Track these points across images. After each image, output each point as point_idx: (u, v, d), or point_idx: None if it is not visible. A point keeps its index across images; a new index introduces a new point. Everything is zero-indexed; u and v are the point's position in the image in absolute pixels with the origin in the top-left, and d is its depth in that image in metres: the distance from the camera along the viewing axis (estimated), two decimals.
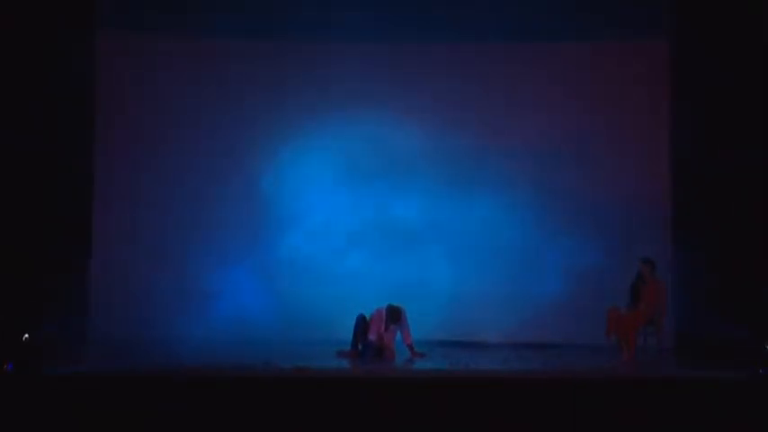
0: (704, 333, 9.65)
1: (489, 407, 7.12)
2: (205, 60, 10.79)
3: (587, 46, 10.67)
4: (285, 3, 10.45)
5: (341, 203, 10.74)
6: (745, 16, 9.54)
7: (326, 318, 9.91)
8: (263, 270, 10.65)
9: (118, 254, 10.63)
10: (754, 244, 9.55)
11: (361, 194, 10.74)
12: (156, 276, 10.51)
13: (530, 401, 7.18)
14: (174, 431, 6.93)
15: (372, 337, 9.23)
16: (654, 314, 9.25)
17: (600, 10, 10.32)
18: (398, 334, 9.53)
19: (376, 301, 9.57)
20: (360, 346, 9.34)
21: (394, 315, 9.25)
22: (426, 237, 10.72)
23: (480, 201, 10.67)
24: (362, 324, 9.34)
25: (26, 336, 8.16)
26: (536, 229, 10.61)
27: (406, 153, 10.75)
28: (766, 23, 9.37)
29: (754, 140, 9.57)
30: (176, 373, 7.73)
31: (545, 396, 7.24)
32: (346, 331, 9.55)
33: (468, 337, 10.54)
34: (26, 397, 7.20)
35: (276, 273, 10.66)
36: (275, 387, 7.33)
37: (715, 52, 9.82)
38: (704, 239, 10.01)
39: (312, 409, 7.08)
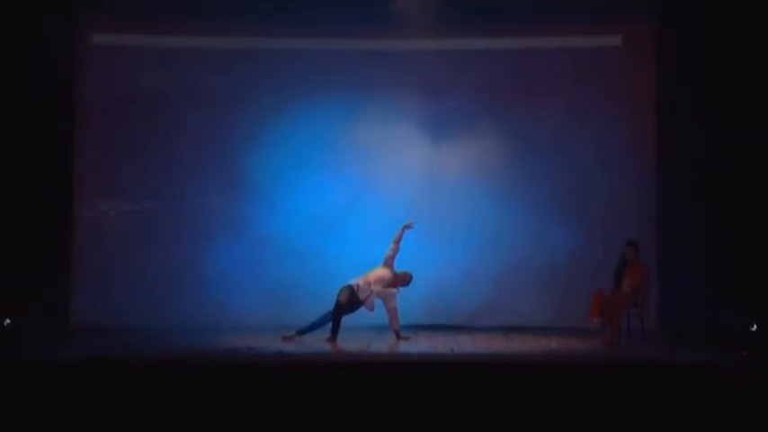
0: (689, 316, 9.62)
1: (474, 391, 6.99)
2: (188, 45, 10.84)
3: (572, 29, 10.68)
4: None
5: (324, 186, 10.64)
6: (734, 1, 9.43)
7: (307, 303, 9.64)
8: (248, 255, 10.56)
9: (101, 240, 10.61)
10: (739, 225, 9.39)
11: (345, 177, 10.67)
12: (139, 262, 10.51)
13: (514, 385, 7.09)
14: (156, 417, 6.76)
15: (361, 294, 9.05)
16: (638, 297, 9.17)
17: None
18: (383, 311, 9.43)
19: None
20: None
21: (405, 281, 9.21)
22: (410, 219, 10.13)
23: (464, 184, 10.66)
24: (347, 297, 9.10)
25: (7, 321, 8.20)
26: (521, 213, 10.55)
27: (390, 135, 10.66)
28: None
29: (741, 121, 9.44)
30: (159, 359, 7.65)
31: (530, 380, 7.16)
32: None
33: (452, 320, 10.51)
34: (6, 383, 7.07)
35: (261, 258, 10.55)
36: (258, 373, 7.24)
37: (702, 36, 9.79)
38: (689, 221, 9.93)
39: (296, 396, 6.96)
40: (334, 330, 9.00)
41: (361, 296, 9.00)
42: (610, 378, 7.13)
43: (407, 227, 9.22)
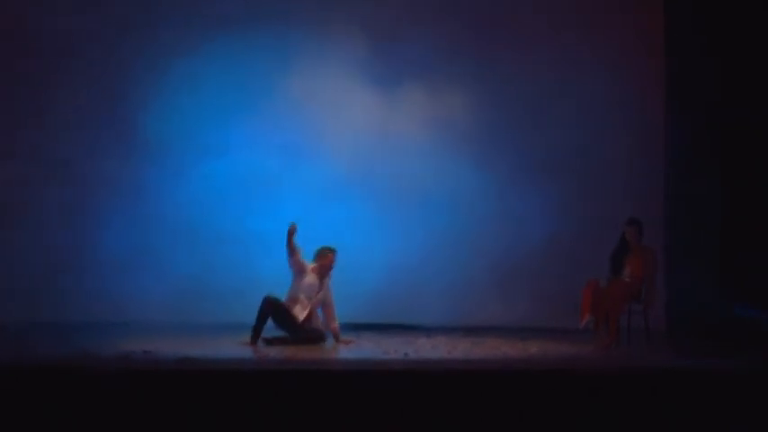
0: (703, 311, 9.27)
1: (433, 407, 6.24)
2: None
3: None
4: None
5: (248, 149, 9.81)
6: None
7: (225, 296, 9.23)
8: (150, 236, 9.78)
9: None
10: (763, 202, 9.06)
11: (274, 138, 9.83)
12: (6, 248, 9.65)
13: (485, 400, 6.30)
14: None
15: (302, 316, 8.41)
16: (641, 288, 8.52)
17: None
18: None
19: (289, 276, 8.59)
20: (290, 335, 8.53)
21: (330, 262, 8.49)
22: (353, 195, 9.83)
23: (423, 150, 9.91)
24: (280, 309, 8.36)
25: None
26: (493, 187, 9.84)
27: (330, 88, 9.86)
28: None
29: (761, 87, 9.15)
30: (29, 364, 6.80)
31: (503, 392, 6.38)
32: (250, 314, 8.45)
33: (405, 319, 9.83)
34: None
35: (166, 239, 9.76)
36: (155, 383, 6.36)
37: None
38: (703, 197, 9.47)
39: (203, 413, 6.13)
40: (256, 332, 8.26)
41: (301, 317, 8.41)
42: (606, 389, 6.43)
43: (291, 233, 8.40)
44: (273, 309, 8.25)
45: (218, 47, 9.66)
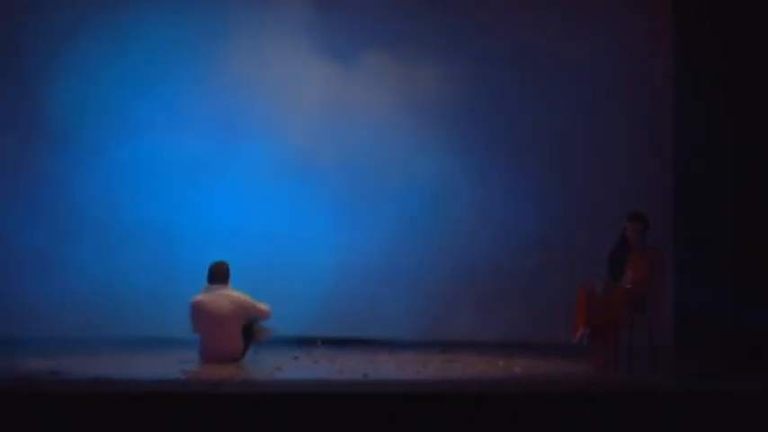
0: (717, 323, 8.73)
1: None
2: None
3: None
4: None
5: (175, 128, 9.07)
6: None
7: (144, 304, 8.70)
8: (57, 234, 9.10)
9: None
10: None
11: (208, 115, 9.11)
12: None
13: (457, 427, 5.90)
14: None
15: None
16: (644, 296, 7.93)
17: None
18: None
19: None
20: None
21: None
22: (302, 184, 9.23)
23: (387, 132, 9.18)
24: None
25: None
26: (470, 178, 9.14)
27: (275, 56, 9.16)
28: None
29: None
30: None
31: (480, 419, 5.95)
32: (173, 323, 8.00)
33: (365, 333, 9.33)
34: None
35: (76, 237, 9.09)
36: (63, 408, 5.89)
37: None
38: (716, 191, 9.01)
39: None
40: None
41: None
42: (601, 415, 6.02)
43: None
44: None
45: (143, 11, 9.02)
